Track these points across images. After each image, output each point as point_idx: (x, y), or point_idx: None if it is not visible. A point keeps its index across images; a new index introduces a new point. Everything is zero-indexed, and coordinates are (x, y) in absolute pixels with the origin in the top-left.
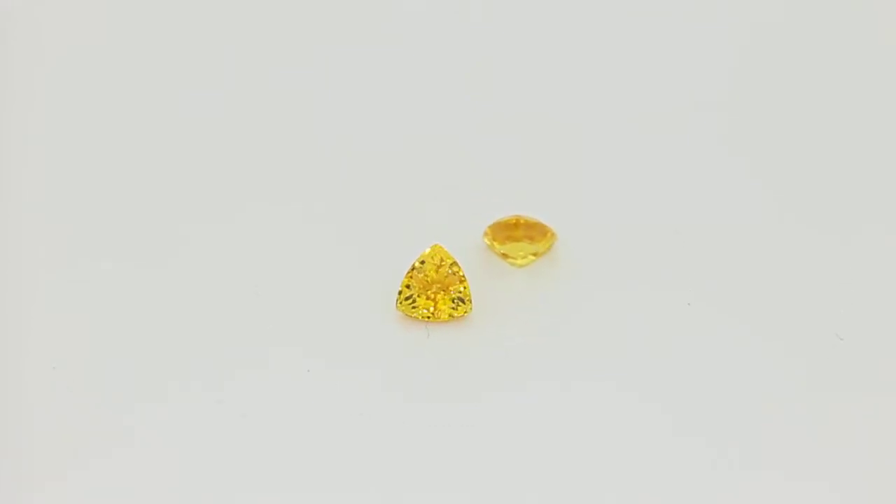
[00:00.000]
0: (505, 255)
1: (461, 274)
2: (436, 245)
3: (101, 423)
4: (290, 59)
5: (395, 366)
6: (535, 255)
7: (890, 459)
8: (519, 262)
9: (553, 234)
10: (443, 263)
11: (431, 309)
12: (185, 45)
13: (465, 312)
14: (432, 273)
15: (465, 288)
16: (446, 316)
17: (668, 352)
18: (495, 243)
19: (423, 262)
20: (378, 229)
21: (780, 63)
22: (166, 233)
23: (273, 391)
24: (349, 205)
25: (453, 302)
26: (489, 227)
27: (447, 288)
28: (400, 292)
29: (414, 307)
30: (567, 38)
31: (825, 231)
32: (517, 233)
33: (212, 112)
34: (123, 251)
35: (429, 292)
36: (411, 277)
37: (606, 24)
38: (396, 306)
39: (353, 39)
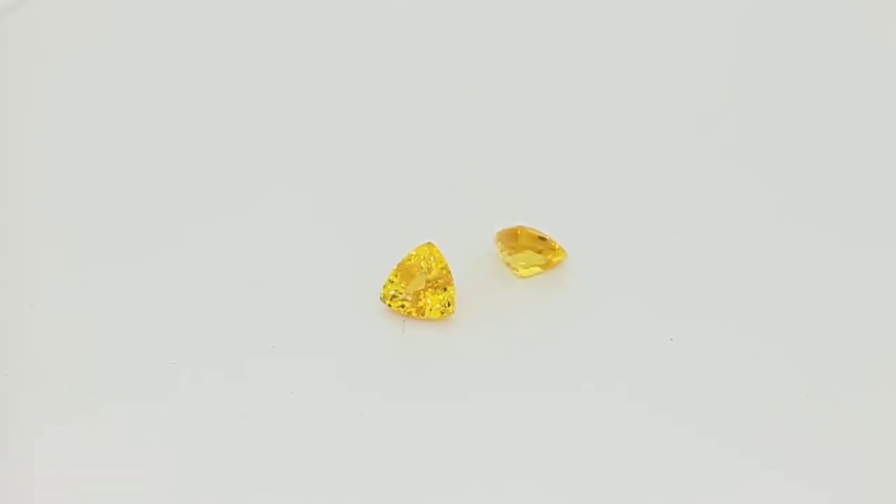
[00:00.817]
0: (508, 264)
1: (449, 276)
2: (429, 243)
3: (101, 422)
4: (290, 60)
5: (379, 365)
6: (541, 267)
7: (890, 460)
8: (521, 272)
9: (561, 250)
10: (434, 262)
11: (420, 307)
12: (184, 46)
13: (449, 314)
14: (424, 269)
15: (450, 289)
16: (437, 314)
17: (668, 354)
18: (503, 252)
19: (412, 257)
20: (382, 230)
21: (779, 64)
22: (165, 232)
23: (272, 390)
24: (353, 205)
25: (440, 302)
26: (498, 233)
27: (435, 287)
28: (391, 281)
29: (402, 304)
30: (570, 40)
31: (825, 231)
32: (518, 243)
33: (213, 112)
34: (123, 251)
35: (418, 289)
36: (400, 269)
37: (607, 25)
38: (381, 297)
39: (359, 39)
